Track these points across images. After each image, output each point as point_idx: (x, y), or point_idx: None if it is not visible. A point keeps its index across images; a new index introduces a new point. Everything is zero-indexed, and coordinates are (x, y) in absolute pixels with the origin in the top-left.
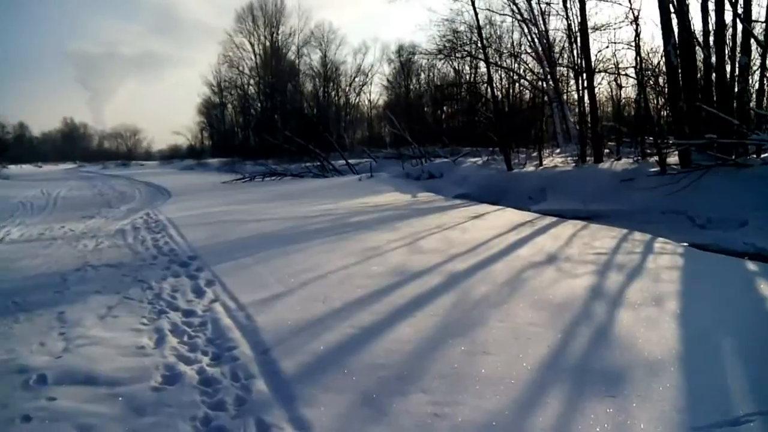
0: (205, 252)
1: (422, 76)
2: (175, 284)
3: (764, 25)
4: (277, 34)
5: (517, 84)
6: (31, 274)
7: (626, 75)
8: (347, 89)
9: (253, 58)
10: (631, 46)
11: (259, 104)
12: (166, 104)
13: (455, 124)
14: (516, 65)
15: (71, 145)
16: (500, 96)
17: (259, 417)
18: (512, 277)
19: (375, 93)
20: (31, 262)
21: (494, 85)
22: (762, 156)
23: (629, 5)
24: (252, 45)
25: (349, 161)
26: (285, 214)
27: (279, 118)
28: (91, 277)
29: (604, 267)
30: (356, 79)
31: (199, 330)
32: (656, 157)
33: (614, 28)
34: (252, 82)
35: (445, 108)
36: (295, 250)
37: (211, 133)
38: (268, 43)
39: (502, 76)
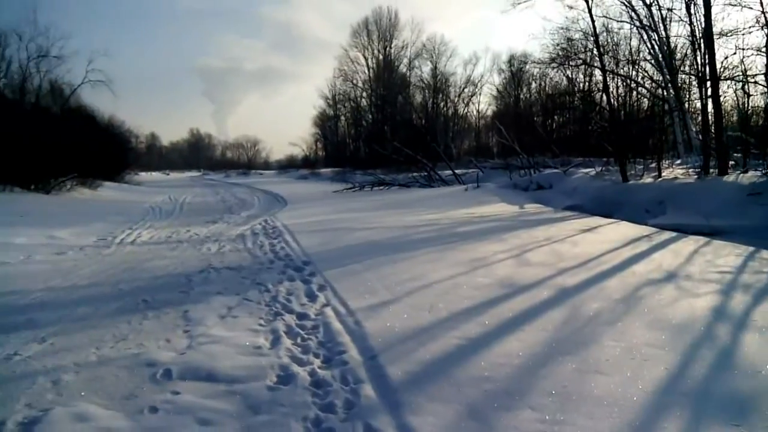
0: (318, 258)
1: (533, 85)
2: (289, 288)
3: None
4: (390, 47)
5: (634, 92)
6: (160, 274)
7: (755, 83)
8: (456, 100)
9: (366, 71)
10: (762, 51)
11: (370, 116)
12: (283, 116)
13: (566, 134)
14: (634, 73)
15: (196, 154)
16: (616, 104)
17: (367, 422)
18: (627, 294)
19: (484, 103)
20: (159, 263)
21: (610, 93)
22: None
23: (761, 8)
24: (366, 59)
25: (456, 171)
26: (392, 223)
27: (388, 129)
28: (213, 279)
29: (729, 287)
30: (465, 90)
31: (312, 333)
32: None
33: (743, 34)
34: (364, 94)
35: (556, 117)
36: (402, 258)
37: (325, 144)
38: (381, 57)
39: (619, 84)
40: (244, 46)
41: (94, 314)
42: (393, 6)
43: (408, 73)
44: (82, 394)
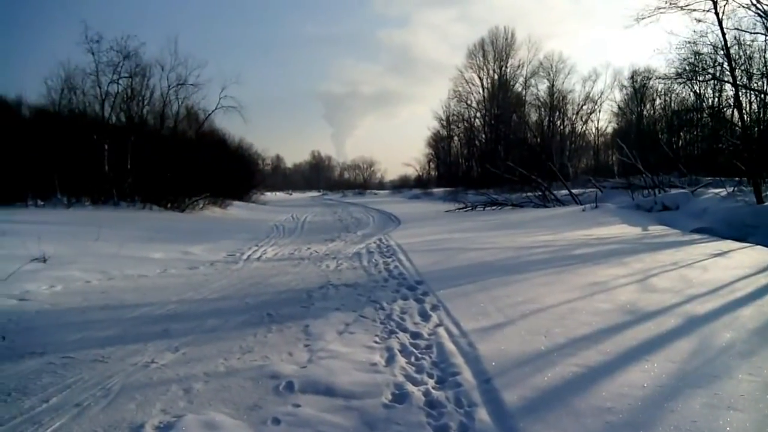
0: (430, 277)
1: (657, 101)
2: (403, 306)
3: None
4: (506, 67)
5: None
6: (283, 289)
7: None
8: (574, 117)
9: (480, 91)
10: None
11: (483, 135)
12: (397, 137)
13: (694, 152)
14: None
15: (317, 175)
16: (749, 120)
17: None
18: (764, 324)
19: (603, 120)
20: (282, 279)
21: (743, 109)
22: None
23: None
24: (481, 79)
25: (572, 191)
26: (505, 244)
27: (502, 149)
28: (331, 295)
29: None
30: (584, 107)
31: (425, 352)
32: None
33: None
34: (478, 114)
35: (682, 134)
36: (515, 280)
37: (437, 164)
38: (496, 77)
39: (752, 99)
40: (362, 69)
41: (222, 326)
42: (510, 26)
43: (523, 92)
44: (211, 402)
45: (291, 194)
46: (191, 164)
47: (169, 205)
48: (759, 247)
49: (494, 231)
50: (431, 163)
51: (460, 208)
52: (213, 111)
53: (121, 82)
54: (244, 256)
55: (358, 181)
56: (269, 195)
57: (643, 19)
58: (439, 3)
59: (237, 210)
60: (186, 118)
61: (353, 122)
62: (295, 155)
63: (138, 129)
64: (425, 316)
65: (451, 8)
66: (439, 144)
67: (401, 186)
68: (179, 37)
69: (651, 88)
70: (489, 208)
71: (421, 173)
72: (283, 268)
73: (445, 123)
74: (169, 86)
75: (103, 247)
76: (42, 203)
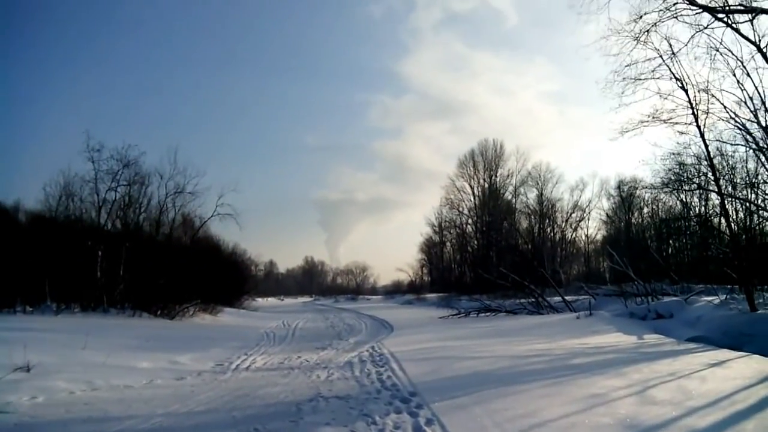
0: (425, 388)
1: (645, 209)
2: (396, 420)
3: None
4: (496, 176)
5: (755, 215)
6: (272, 401)
7: None
8: (563, 225)
9: (471, 199)
10: None
11: (475, 242)
12: (390, 243)
13: (685, 260)
14: (754, 196)
15: (310, 280)
16: (737, 228)
17: None
18: None
19: (592, 227)
20: (271, 390)
21: (729, 217)
22: None
23: None
24: (471, 187)
25: (566, 298)
26: (500, 352)
27: (494, 255)
28: (322, 408)
29: None
30: (573, 215)
31: None
32: None
33: None
34: (470, 221)
35: (671, 242)
36: (513, 392)
37: (430, 270)
38: (486, 185)
39: (738, 207)
40: (358, 178)
41: None
42: (499, 138)
43: (513, 200)
44: None
45: (283, 300)
46: (184, 271)
47: (159, 312)
48: (756, 356)
49: (489, 338)
50: (424, 269)
51: (453, 315)
52: (209, 218)
53: (119, 189)
54: (233, 366)
55: (351, 287)
56: (261, 301)
57: (627, 132)
58: (432, 116)
59: (228, 317)
60: (182, 224)
61: (347, 228)
62: (288, 260)
63: (133, 235)
64: None
65: (444, 121)
66: (431, 250)
67: (394, 291)
68: (181, 143)
69: (638, 197)
70: (483, 314)
71: (414, 278)
72: (272, 379)
73: (437, 229)
74: (166, 194)
75: (90, 356)
76: (30, 309)
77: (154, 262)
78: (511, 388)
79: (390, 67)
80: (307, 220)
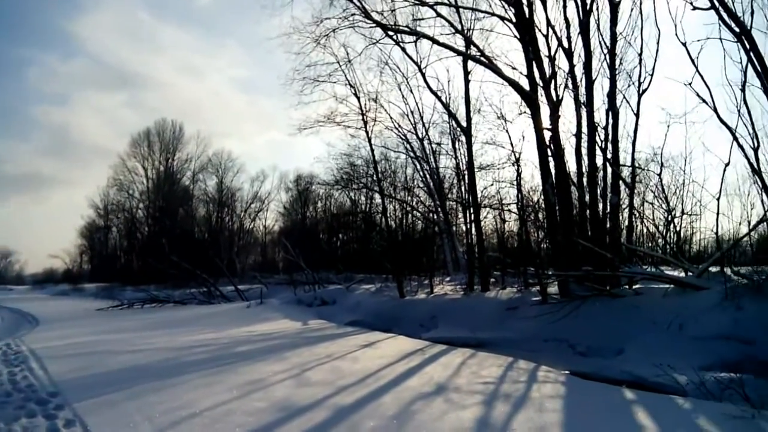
0: (69, 387)
1: (319, 204)
2: (27, 425)
3: (630, 168)
4: (173, 159)
5: (409, 215)
6: None
7: (509, 210)
8: (242, 215)
9: (144, 182)
10: (513, 184)
11: (146, 228)
12: (47, 226)
13: (350, 251)
14: (409, 198)
15: None
16: (394, 225)
17: None
18: (401, 410)
19: (271, 219)
20: None
21: (388, 215)
22: (634, 287)
23: (511, 149)
24: (145, 169)
25: (239, 287)
26: (163, 344)
27: (167, 243)
28: None
29: (491, 397)
30: (252, 205)
31: None
32: (538, 287)
33: (498, 168)
34: (141, 205)
35: (340, 235)
36: (171, 384)
37: (92, 257)
38: (162, 168)
39: (396, 207)
40: (7, 147)
41: None
42: (178, 120)
43: (191, 186)
44: None
45: None
46: None
47: None
48: (402, 337)
49: (153, 331)
50: (84, 256)
51: (115, 306)
52: None
53: None
54: None
55: None
56: None
57: (305, 129)
58: (107, 86)
59: None
60: None
61: None
62: None
63: None
64: None
65: (120, 93)
66: (94, 235)
67: (46, 281)
68: None
69: (314, 191)
70: (149, 305)
71: (71, 266)
72: None
73: (102, 212)
74: None
75: None
76: None
77: None
78: (170, 380)
79: (60, 25)
80: None
